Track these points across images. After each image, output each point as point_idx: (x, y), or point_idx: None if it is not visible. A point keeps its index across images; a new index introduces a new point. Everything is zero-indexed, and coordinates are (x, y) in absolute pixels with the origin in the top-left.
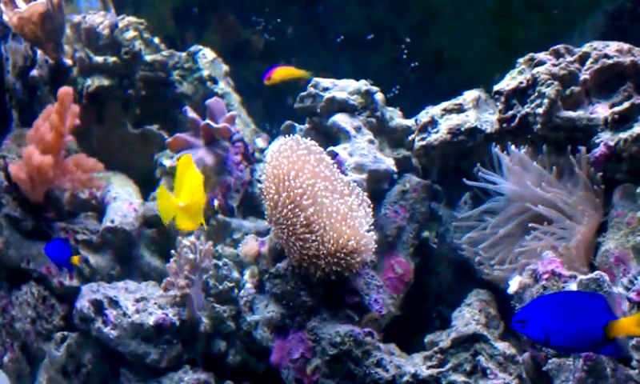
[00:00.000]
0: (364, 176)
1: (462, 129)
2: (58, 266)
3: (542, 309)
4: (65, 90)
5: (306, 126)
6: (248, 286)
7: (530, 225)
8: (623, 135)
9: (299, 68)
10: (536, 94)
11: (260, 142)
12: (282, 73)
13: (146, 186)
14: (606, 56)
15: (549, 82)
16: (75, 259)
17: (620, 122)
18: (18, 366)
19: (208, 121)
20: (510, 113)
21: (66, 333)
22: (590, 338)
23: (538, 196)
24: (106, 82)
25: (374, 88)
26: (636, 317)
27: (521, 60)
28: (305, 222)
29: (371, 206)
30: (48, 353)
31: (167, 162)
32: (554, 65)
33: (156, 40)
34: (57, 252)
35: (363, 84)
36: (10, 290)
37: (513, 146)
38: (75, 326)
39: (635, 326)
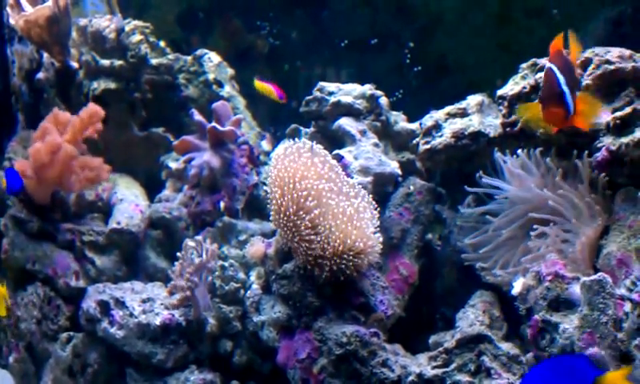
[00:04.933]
0: (369, 179)
1: (466, 133)
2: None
3: (536, 380)
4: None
5: (312, 129)
6: (254, 286)
7: (534, 226)
8: (625, 140)
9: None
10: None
11: (265, 145)
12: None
13: (152, 187)
14: (608, 62)
15: None
16: (3, 182)
17: (621, 126)
18: (23, 366)
19: (214, 124)
20: (514, 117)
21: (71, 333)
22: None
23: (542, 198)
24: (112, 85)
25: (379, 92)
26: (623, 371)
27: (524, 65)
28: (310, 224)
29: (377, 208)
30: (53, 353)
31: (173, 165)
32: None
33: (162, 44)
34: (13, 178)
35: (368, 88)
36: (16, 291)
37: (518, 151)
38: (81, 326)
39: (622, 380)
